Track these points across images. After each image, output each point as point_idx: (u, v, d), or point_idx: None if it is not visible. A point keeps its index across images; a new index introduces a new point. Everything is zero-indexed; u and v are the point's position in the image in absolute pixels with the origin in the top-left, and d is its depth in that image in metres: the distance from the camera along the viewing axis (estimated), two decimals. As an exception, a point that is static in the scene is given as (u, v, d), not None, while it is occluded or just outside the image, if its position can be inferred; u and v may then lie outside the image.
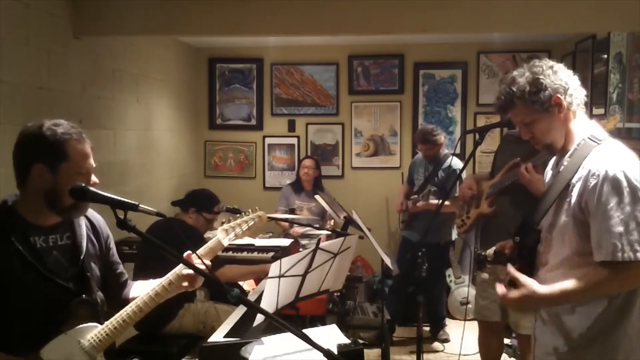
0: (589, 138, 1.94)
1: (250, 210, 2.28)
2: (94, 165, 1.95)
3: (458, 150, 5.94)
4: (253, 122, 6.42)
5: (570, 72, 1.99)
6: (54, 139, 1.86)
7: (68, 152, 1.87)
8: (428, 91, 6.21)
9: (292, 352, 1.95)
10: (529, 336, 3.22)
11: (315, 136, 6.37)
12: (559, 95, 1.92)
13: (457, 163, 4.77)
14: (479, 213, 3.37)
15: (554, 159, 2.14)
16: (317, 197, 4.10)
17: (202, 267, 1.93)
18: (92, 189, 1.75)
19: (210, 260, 2.25)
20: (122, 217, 1.68)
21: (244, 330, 2.38)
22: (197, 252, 2.08)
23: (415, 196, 4.83)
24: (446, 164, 4.77)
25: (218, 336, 2.35)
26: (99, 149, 4.32)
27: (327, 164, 6.22)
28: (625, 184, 1.80)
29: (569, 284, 1.85)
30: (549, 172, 2.15)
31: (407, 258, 4.68)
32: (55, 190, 1.87)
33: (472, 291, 5.04)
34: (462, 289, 5.32)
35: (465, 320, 4.64)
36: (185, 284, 1.99)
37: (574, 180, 1.91)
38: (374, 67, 6.24)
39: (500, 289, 1.97)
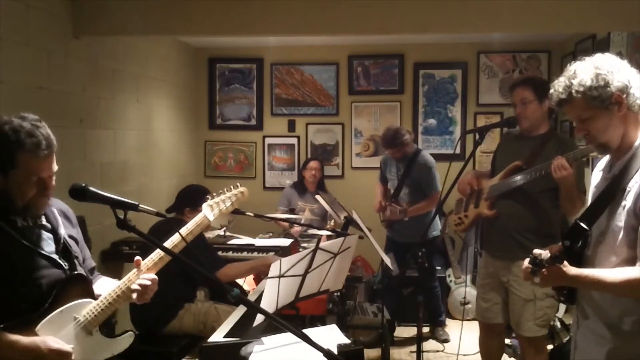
0: None
1: (232, 186, 2.31)
2: (55, 169, 1.94)
3: (458, 150, 5.94)
4: (253, 122, 6.42)
5: (634, 70, 1.91)
6: (5, 145, 1.84)
7: (16, 162, 1.85)
8: (428, 91, 6.21)
9: (292, 352, 1.96)
10: (529, 338, 3.20)
11: (315, 136, 6.37)
12: (620, 93, 1.84)
13: (430, 160, 4.73)
14: (478, 214, 3.32)
15: (604, 161, 2.07)
16: (317, 197, 4.10)
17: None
18: (92, 188, 1.75)
19: (211, 260, 2.26)
20: (122, 217, 1.69)
21: (244, 330, 2.38)
22: (183, 229, 2.12)
23: (394, 206, 4.71)
24: (419, 161, 4.70)
25: (218, 336, 2.35)
26: (99, 149, 4.32)
27: (327, 164, 6.21)
28: None
29: (606, 276, 1.81)
30: (599, 174, 2.08)
31: (407, 258, 4.67)
32: (6, 192, 1.88)
33: (472, 291, 5.04)
34: (462, 289, 5.32)
35: (463, 320, 4.64)
36: (134, 295, 2.00)
37: (630, 185, 1.83)
38: (374, 67, 6.24)
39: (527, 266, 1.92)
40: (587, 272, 1.86)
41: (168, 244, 2.07)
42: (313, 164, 5.53)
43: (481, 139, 3.14)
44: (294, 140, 6.39)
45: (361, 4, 3.84)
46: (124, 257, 4.38)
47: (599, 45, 4.77)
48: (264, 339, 2.05)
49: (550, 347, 4.35)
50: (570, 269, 1.86)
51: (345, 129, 6.32)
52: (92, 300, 1.97)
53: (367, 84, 6.26)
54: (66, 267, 1.98)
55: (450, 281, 5.42)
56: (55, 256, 1.97)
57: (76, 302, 1.93)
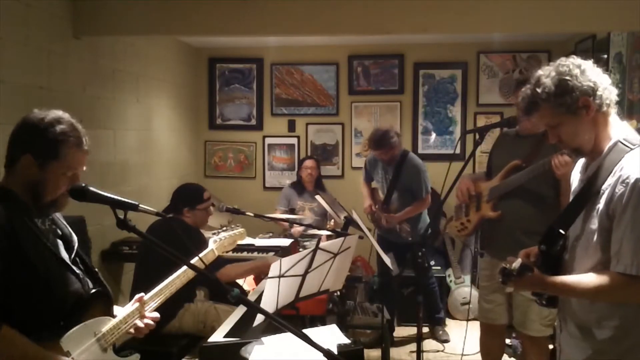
0: (621, 142, 1.83)
1: (233, 226, 2.93)
2: (84, 169, 1.94)
3: (458, 150, 5.94)
4: (253, 122, 6.42)
5: (600, 70, 1.87)
6: (52, 136, 1.86)
7: (60, 153, 1.86)
8: (428, 91, 6.21)
9: (292, 352, 1.95)
10: (533, 337, 3.18)
11: (315, 136, 6.37)
12: (586, 97, 1.81)
13: (419, 162, 4.67)
14: (482, 216, 3.27)
15: (581, 162, 2.03)
16: (317, 197, 4.11)
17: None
18: (92, 188, 1.75)
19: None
20: (122, 217, 1.68)
21: (244, 330, 2.38)
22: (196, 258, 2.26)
23: (386, 215, 4.66)
24: (408, 164, 4.63)
25: (218, 336, 2.35)
26: (99, 149, 4.32)
27: (327, 164, 6.22)
28: None
29: (582, 281, 1.80)
30: (576, 177, 2.04)
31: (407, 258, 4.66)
32: (38, 184, 1.86)
33: (473, 292, 5.03)
34: (462, 289, 5.32)
35: (467, 320, 4.64)
36: (132, 330, 2.02)
37: (604, 187, 1.80)
38: (374, 67, 6.24)
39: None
40: (560, 279, 1.85)
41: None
42: (308, 162, 5.53)
43: (481, 139, 3.12)
44: (294, 140, 6.39)
45: (361, 4, 3.85)
46: (124, 257, 4.39)
47: (599, 45, 4.77)
48: (264, 339, 2.05)
49: (551, 347, 4.35)
50: (543, 277, 1.85)
51: (345, 129, 6.32)
52: (111, 318, 1.96)
53: (367, 84, 6.25)
54: (81, 276, 1.95)
55: (450, 281, 5.42)
56: (74, 266, 1.94)
57: (99, 317, 1.91)
